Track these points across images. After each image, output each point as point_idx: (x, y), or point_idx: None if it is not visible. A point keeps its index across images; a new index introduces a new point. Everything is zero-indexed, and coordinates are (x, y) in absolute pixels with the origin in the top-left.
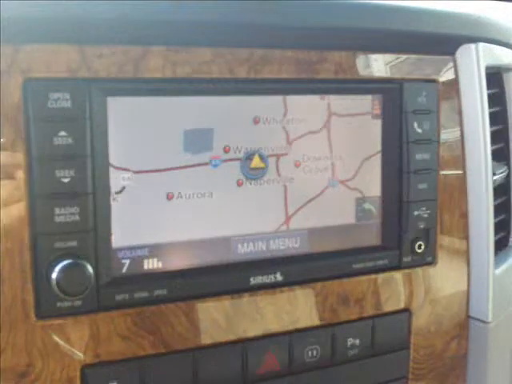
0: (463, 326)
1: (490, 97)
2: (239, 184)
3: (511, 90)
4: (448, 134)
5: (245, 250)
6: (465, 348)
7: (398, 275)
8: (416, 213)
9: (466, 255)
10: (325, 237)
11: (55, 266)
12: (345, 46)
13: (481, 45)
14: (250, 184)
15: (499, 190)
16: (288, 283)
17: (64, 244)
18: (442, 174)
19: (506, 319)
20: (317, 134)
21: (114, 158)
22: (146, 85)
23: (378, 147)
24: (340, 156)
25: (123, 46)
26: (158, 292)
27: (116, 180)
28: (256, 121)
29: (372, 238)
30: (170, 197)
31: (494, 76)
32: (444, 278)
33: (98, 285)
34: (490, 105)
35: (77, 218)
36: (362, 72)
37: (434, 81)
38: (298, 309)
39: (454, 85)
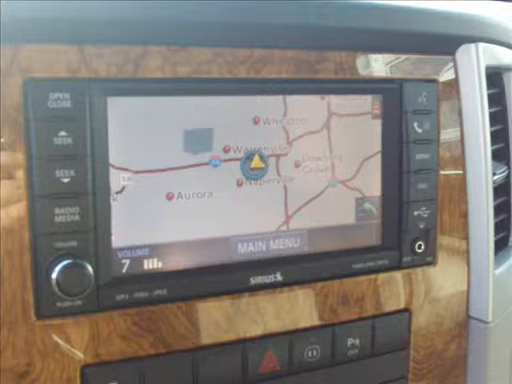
0: (463, 326)
1: (489, 97)
2: (239, 184)
3: (511, 90)
4: (448, 134)
5: (245, 250)
6: (465, 348)
7: (397, 275)
8: (416, 213)
9: (466, 255)
10: (325, 237)
11: (55, 266)
12: (345, 46)
13: (481, 45)
14: (250, 184)
15: (499, 189)
16: (288, 283)
17: (64, 244)
18: (442, 174)
19: (506, 319)
20: (317, 133)
21: (113, 158)
22: (146, 85)
23: (378, 147)
24: (340, 156)
25: (123, 46)
26: (157, 292)
27: (116, 180)
28: (256, 121)
29: (372, 238)
30: (170, 197)
31: (494, 76)
32: (444, 278)
33: (98, 285)
34: (490, 105)
35: (77, 217)
36: (362, 72)
37: (434, 81)
38: (298, 309)
39: (453, 85)
